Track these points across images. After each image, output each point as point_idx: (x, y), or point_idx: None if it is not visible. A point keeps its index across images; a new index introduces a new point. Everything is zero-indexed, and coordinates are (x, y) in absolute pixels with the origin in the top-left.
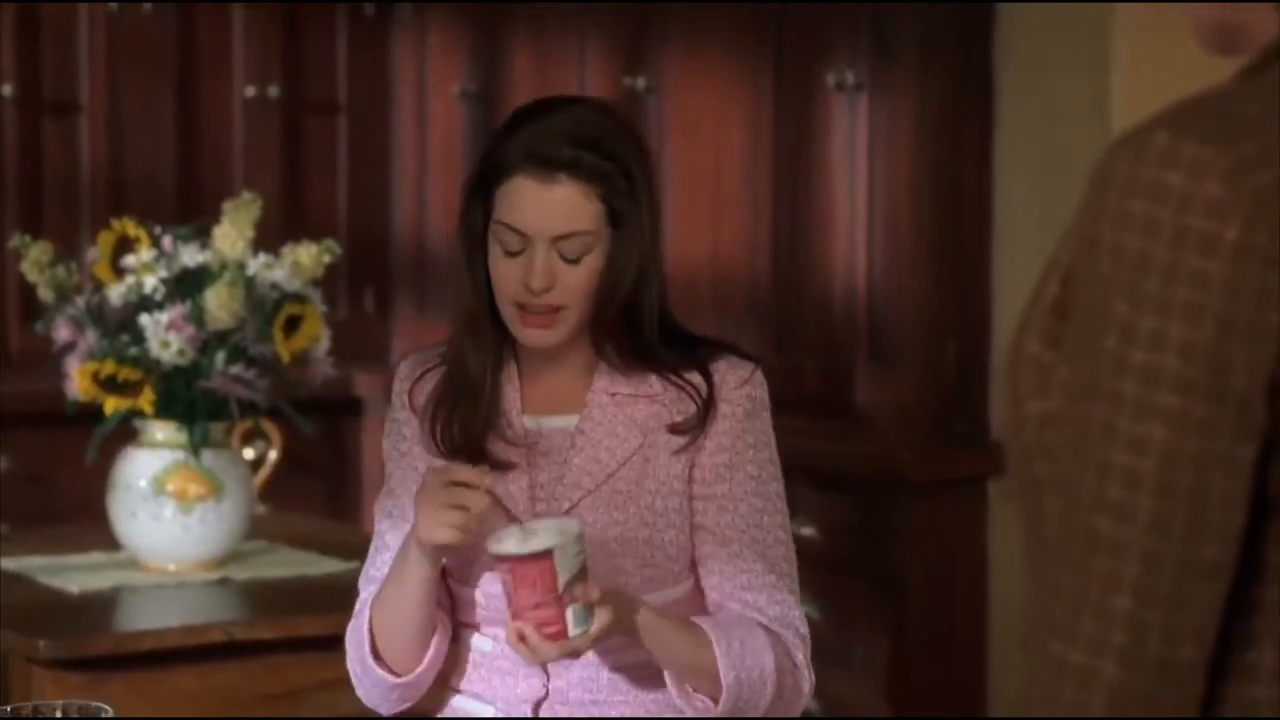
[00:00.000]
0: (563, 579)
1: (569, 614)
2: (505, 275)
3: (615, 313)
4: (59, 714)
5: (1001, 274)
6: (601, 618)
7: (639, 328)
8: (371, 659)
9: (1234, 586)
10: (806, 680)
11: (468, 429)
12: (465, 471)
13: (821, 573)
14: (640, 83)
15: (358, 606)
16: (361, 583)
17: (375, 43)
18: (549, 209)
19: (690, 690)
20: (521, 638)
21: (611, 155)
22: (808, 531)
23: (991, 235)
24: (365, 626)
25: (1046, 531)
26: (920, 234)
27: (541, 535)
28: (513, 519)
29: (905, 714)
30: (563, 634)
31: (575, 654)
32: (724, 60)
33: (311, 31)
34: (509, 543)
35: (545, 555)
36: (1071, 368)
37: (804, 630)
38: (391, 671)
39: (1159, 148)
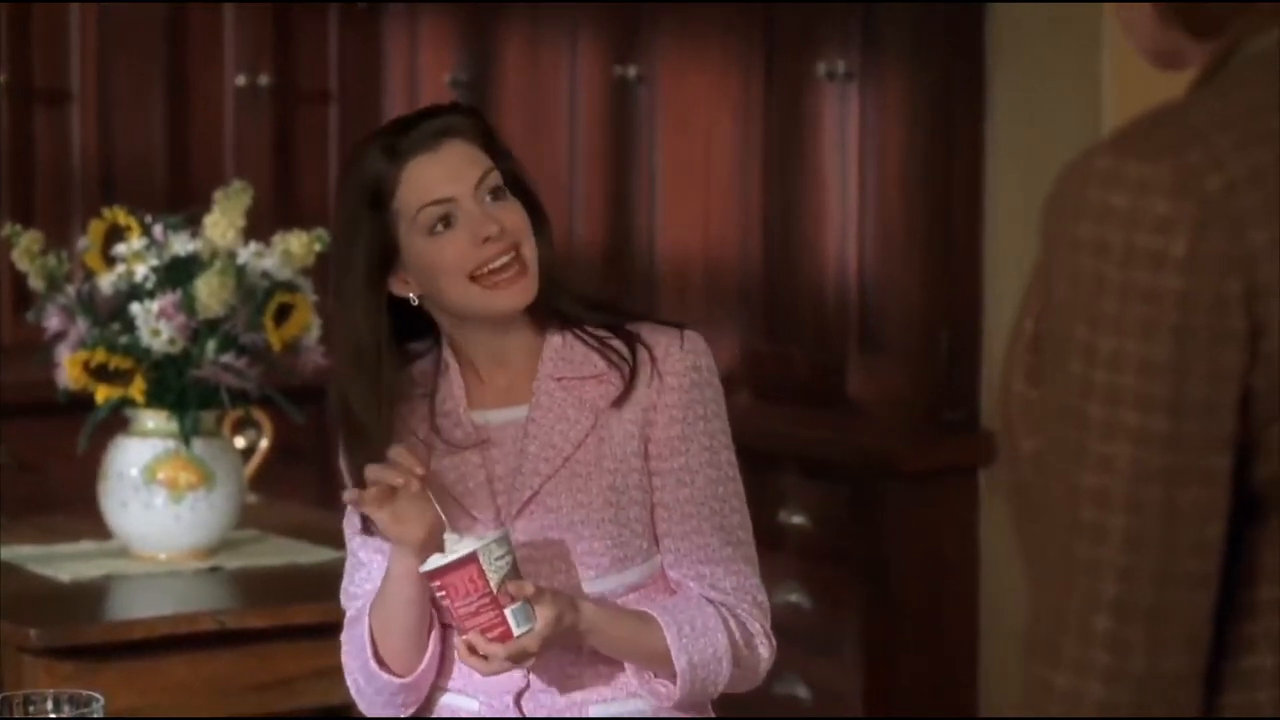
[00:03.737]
0: (493, 580)
1: (509, 615)
2: (449, 250)
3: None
4: (50, 703)
5: (992, 263)
6: (544, 613)
7: (561, 288)
8: (374, 664)
9: (1229, 591)
10: (766, 647)
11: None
12: (402, 454)
13: (812, 561)
14: (631, 71)
15: (348, 619)
16: (343, 600)
17: (366, 31)
18: (453, 167)
19: (650, 677)
20: (471, 650)
21: (466, 113)
22: (798, 520)
23: (982, 224)
24: (365, 634)
25: (1031, 557)
26: (911, 223)
27: (461, 544)
28: (466, 511)
29: (894, 702)
30: (508, 635)
31: (525, 655)
32: (715, 49)
33: (302, 20)
34: (432, 560)
35: (469, 560)
36: (1045, 396)
37: (761, 598)
38: (395, 674)
39: (1102, 170)
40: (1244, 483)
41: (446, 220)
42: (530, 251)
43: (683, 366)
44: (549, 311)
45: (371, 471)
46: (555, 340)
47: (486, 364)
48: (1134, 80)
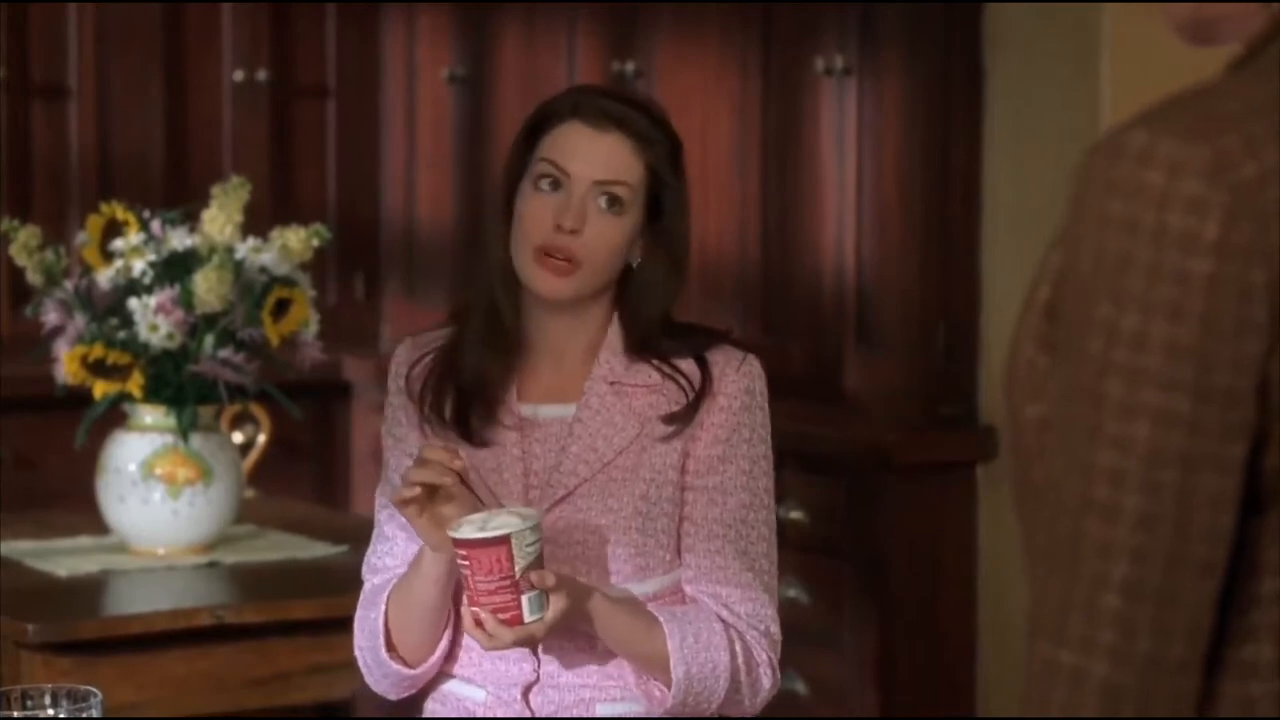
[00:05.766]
0: (519, 565)
1: (524, 600)
2: (535, 210)
3: (638, 290)
4: (48, 698)
5: (990, 257)
6: (556, 604)
7: (648, 312)
8: (385, 652)
9: (1230, 582)
10: (769, 678)
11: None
12: (435, 451)
13: (809, 556)
14: (629, 67)
15: (365, 596)
16: (365, 571)
17: (364, 26)
18: (596, 154)
19: (648, 678)
20: (478, 623)
21: (660, 123)
22: (796, 515)
23: (980, 219)
24: (380, 620)
25: (1037, 535)
26: (909, 218)
27: (498, 522)
28: (492, 502)
29: (892, 696)
30: (518, 619)
31: (532, 641)
32: (713, 45)
33: (300, 16)
34: (466, 528)
35: (501, 541)
36: (1060, 371)
37: (774, 630)
38: (405, 664)
39: (1137, 147)
40: (1251, 473)
41: (551, 184)
42: (592, 270)
43: (736, 389)
44: (631, 335)
45: (411, 474)
46: (615, 347)
47: (544, 356)
48: (1132, 76)
